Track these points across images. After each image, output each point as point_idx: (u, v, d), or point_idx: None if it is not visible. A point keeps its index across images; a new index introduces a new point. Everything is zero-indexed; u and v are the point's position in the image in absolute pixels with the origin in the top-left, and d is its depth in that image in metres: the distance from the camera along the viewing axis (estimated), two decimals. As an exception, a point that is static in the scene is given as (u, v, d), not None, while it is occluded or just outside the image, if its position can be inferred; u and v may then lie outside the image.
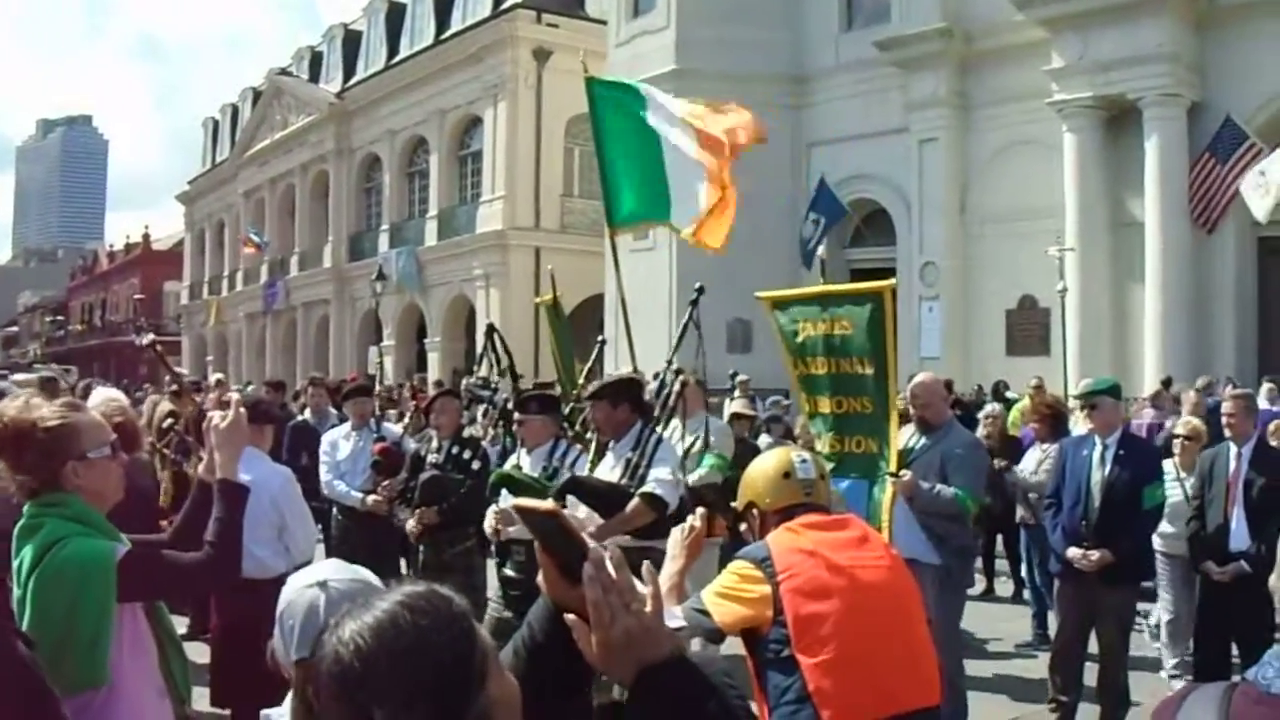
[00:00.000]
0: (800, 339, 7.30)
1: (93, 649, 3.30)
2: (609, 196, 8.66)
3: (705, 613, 3.85)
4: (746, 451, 9.03)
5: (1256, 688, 1.89)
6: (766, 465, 4.29)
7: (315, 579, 2.57)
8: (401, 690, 1.60)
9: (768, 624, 3.81)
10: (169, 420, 9.09)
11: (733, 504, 4.44)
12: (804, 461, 4.28)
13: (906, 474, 7.07)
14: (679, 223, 8.62)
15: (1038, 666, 8.62)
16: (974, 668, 8.91)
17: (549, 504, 1.92)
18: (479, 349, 12.72)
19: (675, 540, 3.90)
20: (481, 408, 11.17)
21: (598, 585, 1.80)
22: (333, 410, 12.28)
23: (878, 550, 4.09)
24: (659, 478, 6.34)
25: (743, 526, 4.38)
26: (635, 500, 6.22)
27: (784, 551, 3.87)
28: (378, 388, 11.11)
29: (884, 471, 6.99)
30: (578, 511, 6.25)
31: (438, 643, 1.65)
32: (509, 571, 7.02)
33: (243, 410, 3.86)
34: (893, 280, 7.21)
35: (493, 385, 11.96)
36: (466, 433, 9.10)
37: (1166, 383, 16.85)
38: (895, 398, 7.19)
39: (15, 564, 3.40)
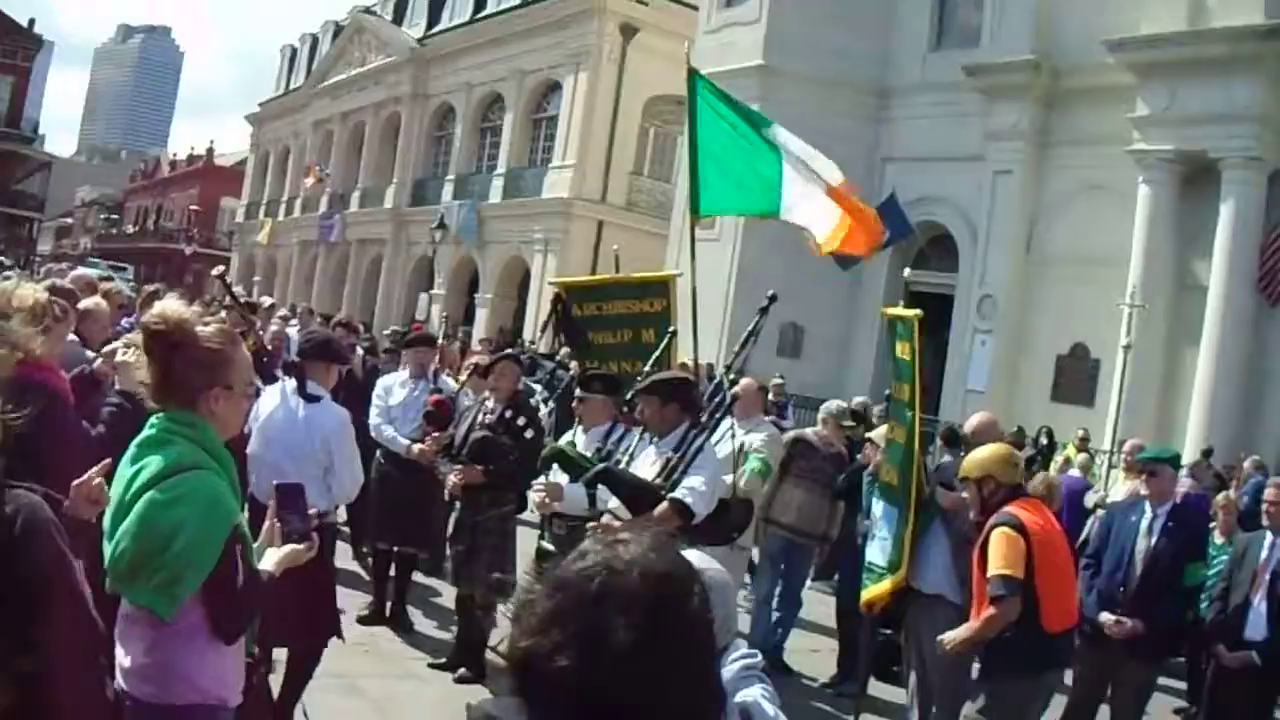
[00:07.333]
0: (896, 358, 7.61)
1: (172, 585, 3.21)
2: (697, 185, 8.35)
3: (1005, 578, 5.96)
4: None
5: None
6: (1004, 451, 6.61)
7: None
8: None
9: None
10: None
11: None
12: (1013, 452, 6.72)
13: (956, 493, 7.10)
14: (789, 217, 8.44)
15: None
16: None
17: None
18: (540, 315, 12.69)
19: None
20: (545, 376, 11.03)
21: None
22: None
23: (1050, 517, 6.52)
24: (691, 486, 6.14)
25: (966, 494, 6.65)
26: (664, 504, 6.04)
27: (1029, 521, 6.12)
28: (440, 340, 10.91)
29: (906, 505, 7.11)
30: (609, 503, 6.24)
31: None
32: (545, 545, 6.99)
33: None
34: (918, 310, 7.33)
35: (559, 359, 11.84)
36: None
37: (1207, 453, 16.69)
38: (920, 429, 7.24)
39: (133, 469, 3.33)
